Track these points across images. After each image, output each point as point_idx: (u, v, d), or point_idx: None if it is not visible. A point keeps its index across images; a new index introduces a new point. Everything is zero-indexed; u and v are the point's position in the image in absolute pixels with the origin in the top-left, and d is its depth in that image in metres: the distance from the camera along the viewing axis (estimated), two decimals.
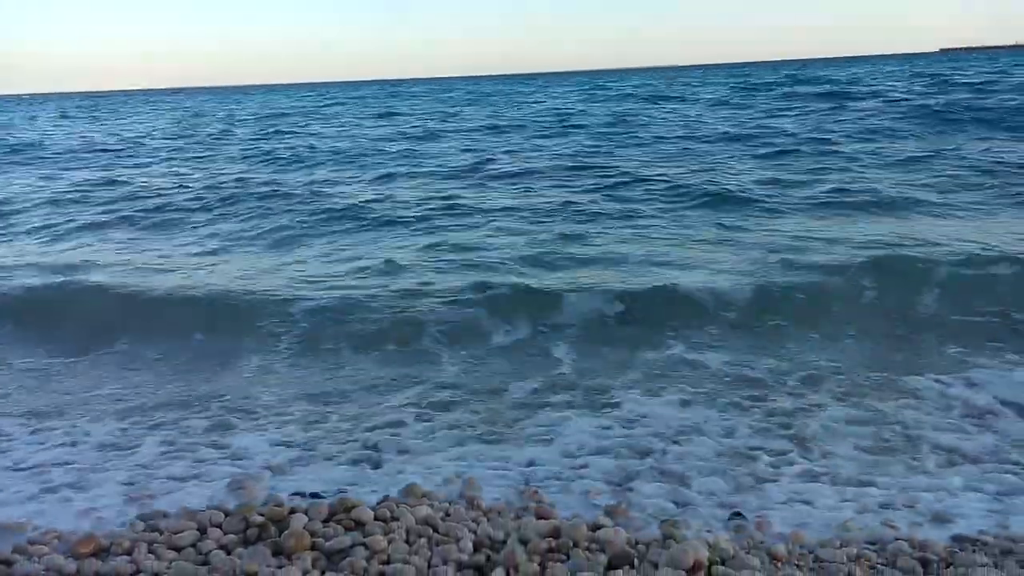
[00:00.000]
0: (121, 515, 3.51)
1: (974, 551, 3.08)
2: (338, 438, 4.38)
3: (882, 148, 15.01)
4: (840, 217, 9.60)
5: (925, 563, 3.00)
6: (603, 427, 4.43)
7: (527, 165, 15.19)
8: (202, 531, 3.25)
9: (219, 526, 3.28)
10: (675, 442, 4.20)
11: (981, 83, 28.16)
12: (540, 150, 17.87)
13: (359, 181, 14.61)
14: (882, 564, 3.01)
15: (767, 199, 10.79)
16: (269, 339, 6.21)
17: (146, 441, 4.38)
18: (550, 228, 9.67)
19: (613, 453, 4.08)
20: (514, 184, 13.31)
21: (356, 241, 9.64)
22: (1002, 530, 3.27)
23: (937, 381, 4.92)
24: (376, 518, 3.30)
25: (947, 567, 2.98)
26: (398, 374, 5.45)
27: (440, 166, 15.94)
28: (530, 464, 4.00)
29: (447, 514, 3.40)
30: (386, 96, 57.26)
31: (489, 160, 16.27)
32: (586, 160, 15.57)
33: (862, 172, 12.49)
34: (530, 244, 8.90)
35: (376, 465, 4.01)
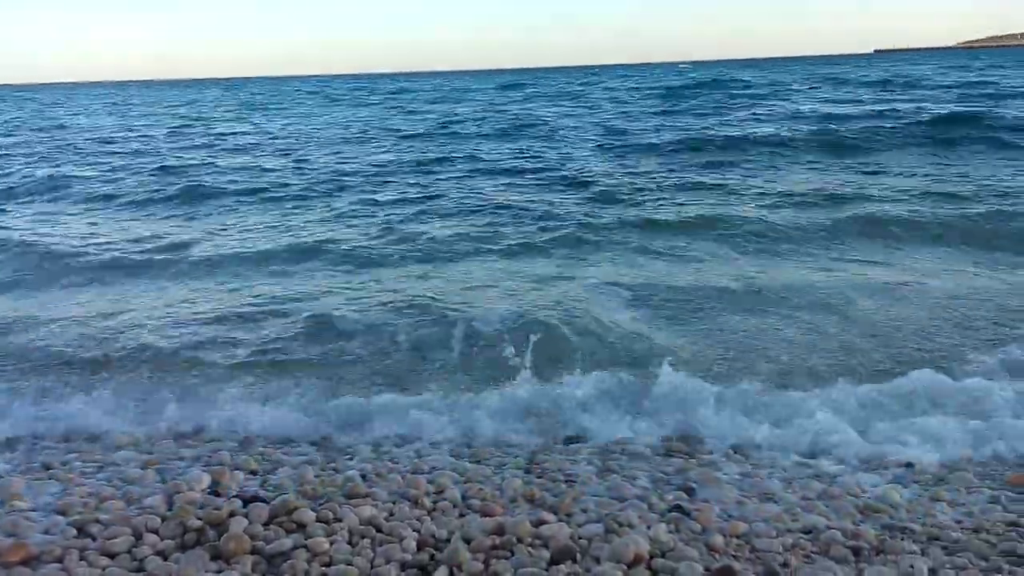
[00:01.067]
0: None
1: (903, 539, 3.19)
2: None
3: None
4: None
5: (857, 551, 3.09)
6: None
7: None
8: (137, 536, 3.16)
9: (155, 531, 3.21)
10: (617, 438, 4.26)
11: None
12: None
13: None
14: (816, 553, 3.10)
15: None
16: None
17: None
18: None
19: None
20: None
21: None
22: (929, 518, 3.39)
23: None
24: (318, 520, 3.27)
25: (877, 554, 3.08)
26: None
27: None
28: None
29: (391, 514, 3.38)
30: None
31: None
32: None
33: None
34: None
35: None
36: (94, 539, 3.17)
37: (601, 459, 4.03)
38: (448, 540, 3.14)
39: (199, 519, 3.23)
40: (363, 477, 3.76)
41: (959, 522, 3.35)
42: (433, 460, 4.05)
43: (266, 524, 3.24)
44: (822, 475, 3.86)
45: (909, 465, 3.89)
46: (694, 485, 3.70)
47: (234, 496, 3.49)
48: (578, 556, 3.01)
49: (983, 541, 3.15)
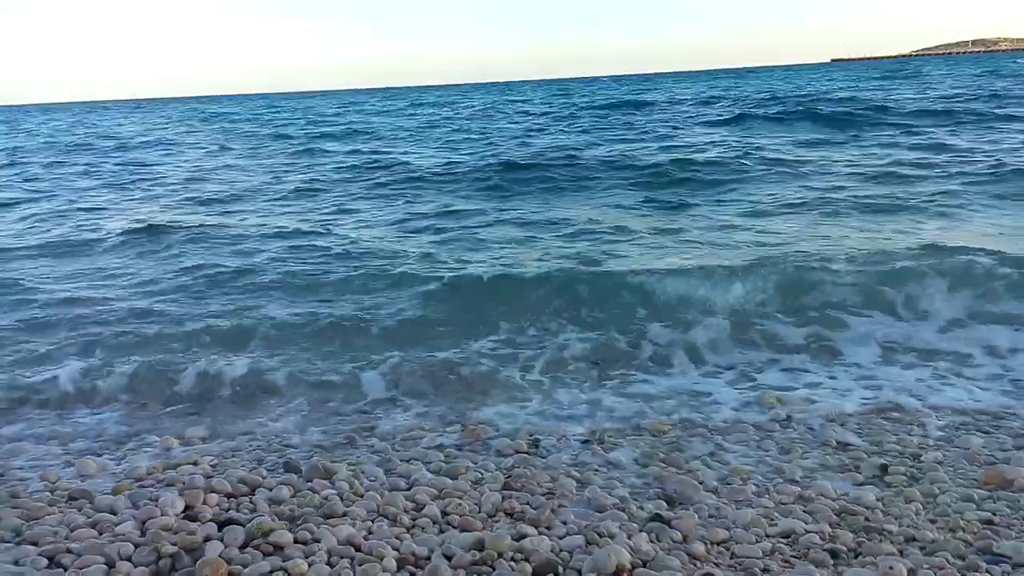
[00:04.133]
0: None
1: (880, 540, 3.22)
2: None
3: None
4: None
5: (835, 554, 3.12)
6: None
7: None
8: (110, 565, 3.08)
9: (128, 558, 3.13)
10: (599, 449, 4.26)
11: None
12: None
13: None
14: (795, 557, 3.11)
15: None
16: None
17: None
18: None
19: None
20: None
21: None
22: (904, 519, 3.42)
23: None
24: (296, 541, 3.22)
25: (855, 557, 3.10)
26: None
27: None
28: None
29: (370, 532, 3.35)
30: None
31: None
32: None
33: None
34: None
35: None
36: (65, 569, 3.09)
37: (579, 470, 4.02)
38: (429, 557, 3.11)
39: (173, 544, 3.17)
40: (340, 496, 3.71)
41: (934, 522, 3.39)
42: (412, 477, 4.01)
43: (242, 547, 3.19)
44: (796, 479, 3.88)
45: (884, 467, 3.93)
46: (674, 493, 3.70)
47: (209, 520, 3.43)
48: (560, 569, 3.00)
49: (960, 540, 3.19)
